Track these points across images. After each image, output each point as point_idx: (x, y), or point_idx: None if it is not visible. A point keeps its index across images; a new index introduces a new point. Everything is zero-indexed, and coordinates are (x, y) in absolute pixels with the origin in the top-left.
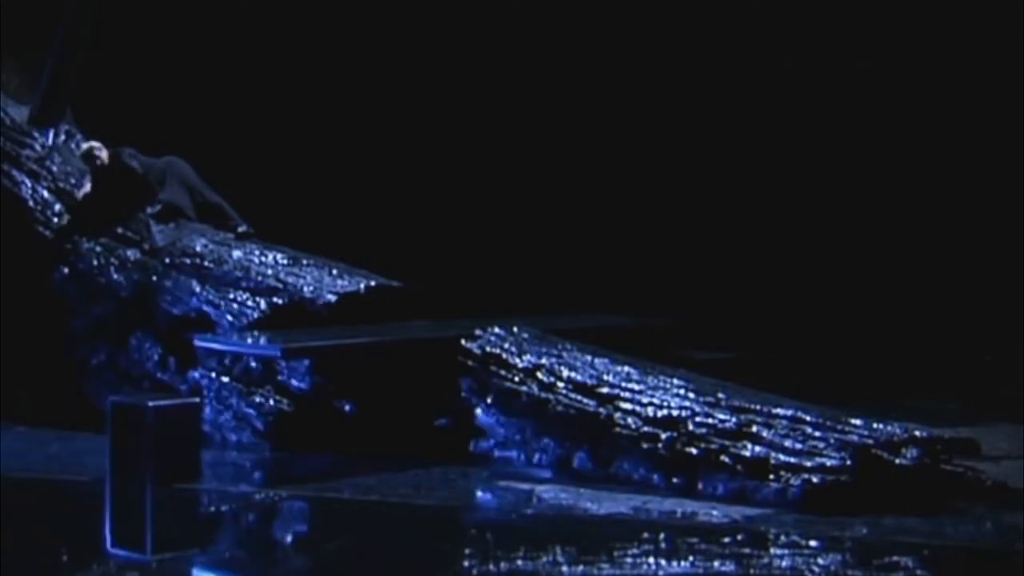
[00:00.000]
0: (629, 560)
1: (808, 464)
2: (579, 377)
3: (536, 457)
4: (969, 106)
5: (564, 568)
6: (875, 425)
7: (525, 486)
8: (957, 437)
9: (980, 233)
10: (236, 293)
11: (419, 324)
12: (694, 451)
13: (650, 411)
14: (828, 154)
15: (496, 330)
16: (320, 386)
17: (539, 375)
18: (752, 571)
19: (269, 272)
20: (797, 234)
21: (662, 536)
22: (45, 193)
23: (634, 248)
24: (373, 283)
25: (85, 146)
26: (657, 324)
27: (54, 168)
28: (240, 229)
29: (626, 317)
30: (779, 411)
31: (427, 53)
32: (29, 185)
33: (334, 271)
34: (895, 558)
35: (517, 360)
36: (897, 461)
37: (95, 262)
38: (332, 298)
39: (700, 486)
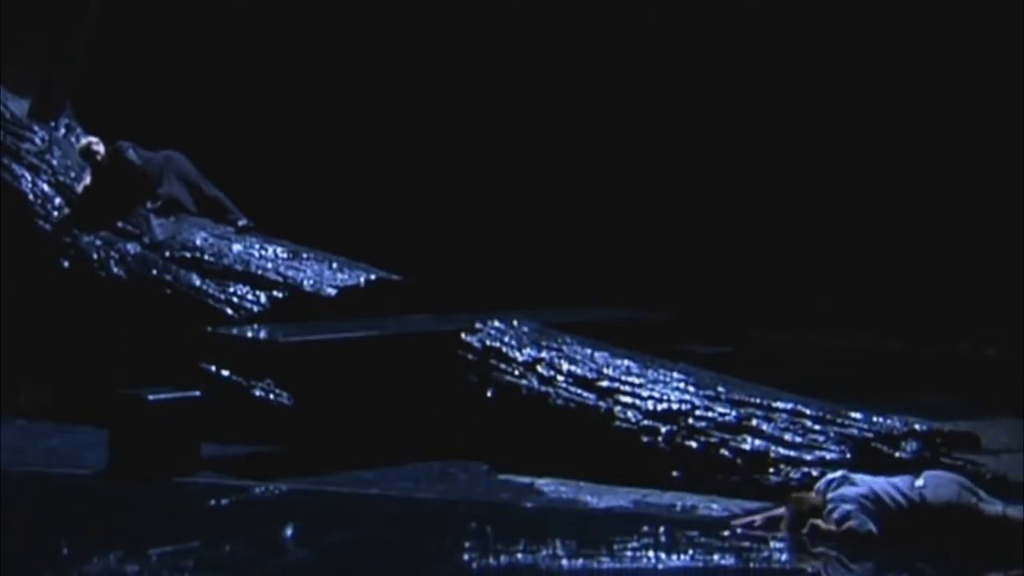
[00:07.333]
0: (629, 553)
1: (808, 457)
2: (579, 370)
3: None
4: (967, 105)
5: (564, 561)
6: (875, 418)
7: (525, 479)
8: (957, 430)
9: (980, 227)
10: (236, 287)
11: (419, 317)
12: (694, 444)
13: (650, 404)
14: (827, 149)
15: (496, 323)
16: (319, 380)
17: (539, 368)
18: (752, 565)
19: (269, 266)
20: (797, 228)
21: (662, 529)
22: (45, 187)
23: (634, 242)
24: (373, 277)
25: (84, 141)
26: (657, 318)
27: (54, 162)
28: (240, 223)
29: (626, 311)
30: (779, 404)
31: (427, 50)
32: (29, 179)
33: (334, 265)
34: (895, 556)
35: (517, 353)
36: (897, 454)
37: (95, 256)
38: (332, 292)
39: (700, 480)
